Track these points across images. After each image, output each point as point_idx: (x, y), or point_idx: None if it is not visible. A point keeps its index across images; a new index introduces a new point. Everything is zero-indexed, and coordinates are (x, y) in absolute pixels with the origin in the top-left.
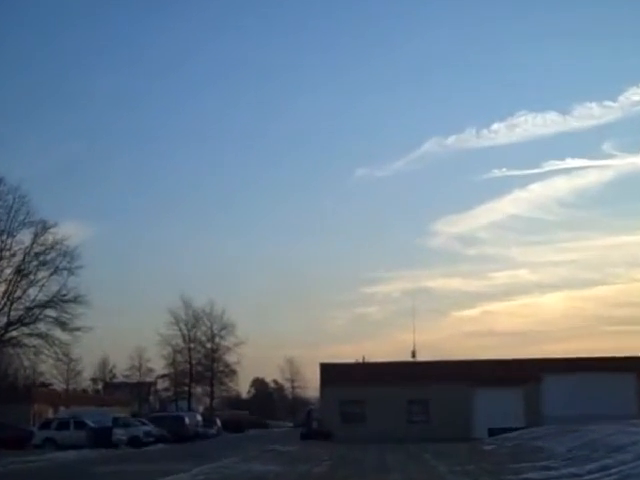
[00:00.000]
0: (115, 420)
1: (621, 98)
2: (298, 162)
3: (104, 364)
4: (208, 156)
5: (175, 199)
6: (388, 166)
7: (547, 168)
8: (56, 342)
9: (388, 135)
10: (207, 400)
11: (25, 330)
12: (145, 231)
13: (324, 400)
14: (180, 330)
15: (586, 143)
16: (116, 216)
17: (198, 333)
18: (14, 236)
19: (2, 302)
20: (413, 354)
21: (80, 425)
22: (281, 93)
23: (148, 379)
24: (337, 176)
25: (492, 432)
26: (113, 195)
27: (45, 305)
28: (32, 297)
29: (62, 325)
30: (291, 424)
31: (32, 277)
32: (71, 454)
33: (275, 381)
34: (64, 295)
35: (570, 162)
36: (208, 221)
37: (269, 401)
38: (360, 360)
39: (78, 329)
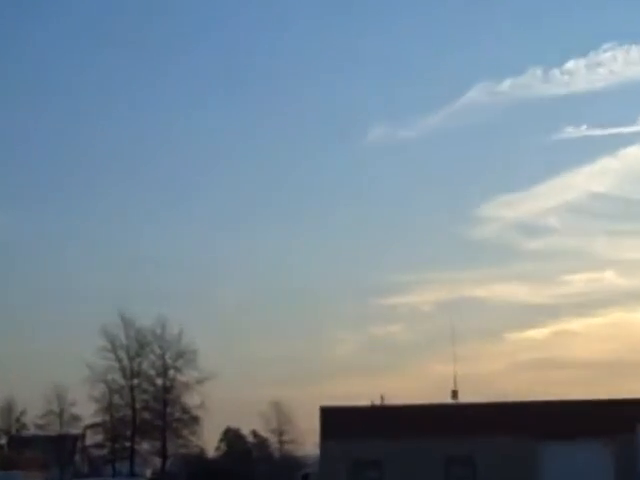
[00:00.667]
0: None
1: None
2: (288, 117)
3: (9, 409)
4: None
5: (110, 174)
6: (416, 123)
7: None
8: None
9: (417, 80)
10: (157, 460)
11: None
12: (65, 221)
13: (326, 460)
14: (118, 360)
15: None
16: (28, 202)
17: (144, 364)
18: None
19: None
20: (453, 394)
21: None
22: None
23: (73, 431)
24: (345, 136)
25: None
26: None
27: None
28: None
29: None
30: None
31: None
32: None
33: (255, 433)
34: None
35: None
36: (156, 207)
37: (247, 461)
38: (377, 402)
39: None
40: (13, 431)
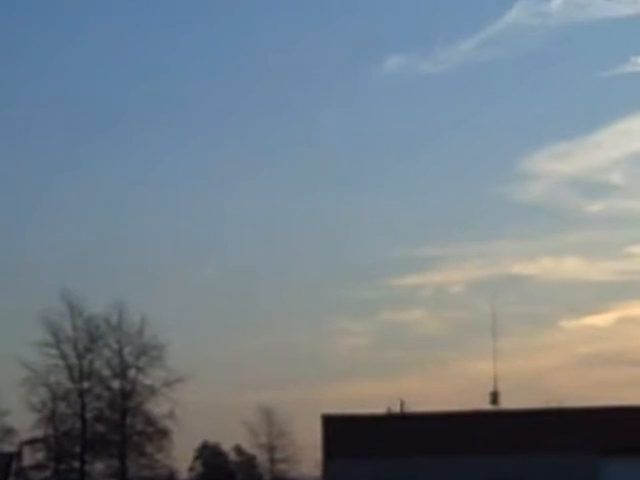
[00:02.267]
0: None
1: None
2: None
3: None
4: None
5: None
6: (441, 53)
7: None
8: None
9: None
10: None
11: None
12: None
13: None
14: (63, 357)
15: None
16: None
17: (97, 363)
18: None
19: None
20: (493, 397)
21: None
22: None
23: (6, 448)
24: (354, 70)
25: None
26: None
27: None
28: None
29: None
30: None
31: None
32: None
33: (239, 449)
34: None
35: None
36: (116, 166)
37: None
38: (395, 409)
39: None
40: None
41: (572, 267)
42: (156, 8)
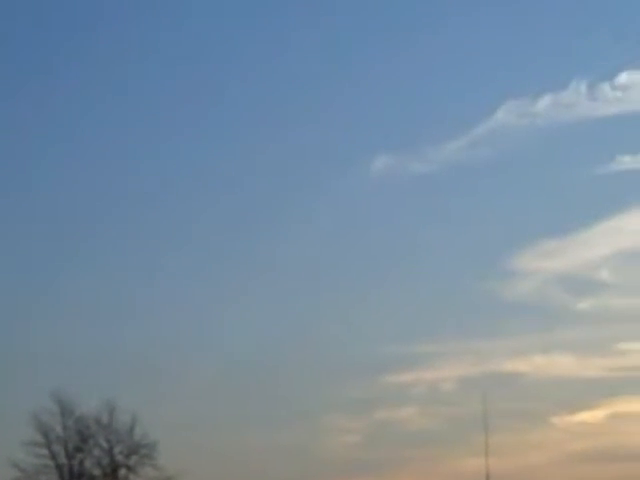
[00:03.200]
0: None
1: None
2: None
3: None
4: None
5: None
6: (428, 154)
7: None
8: None
9: (429, 101)
10: None
11: None
12: None
13: None
14: (54, 457)
15: None
16: None
17: (88, 462)
18: None
19: None
20: None
21: None
22: None
23: None
24: (343, 170)
25: None
26: None
27: None
28: None
29: None
30: None
31: None
32: None
33: None
34: None
35: None
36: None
37: None
38: None
39: None
40: None
41: (563, 364)
42: None
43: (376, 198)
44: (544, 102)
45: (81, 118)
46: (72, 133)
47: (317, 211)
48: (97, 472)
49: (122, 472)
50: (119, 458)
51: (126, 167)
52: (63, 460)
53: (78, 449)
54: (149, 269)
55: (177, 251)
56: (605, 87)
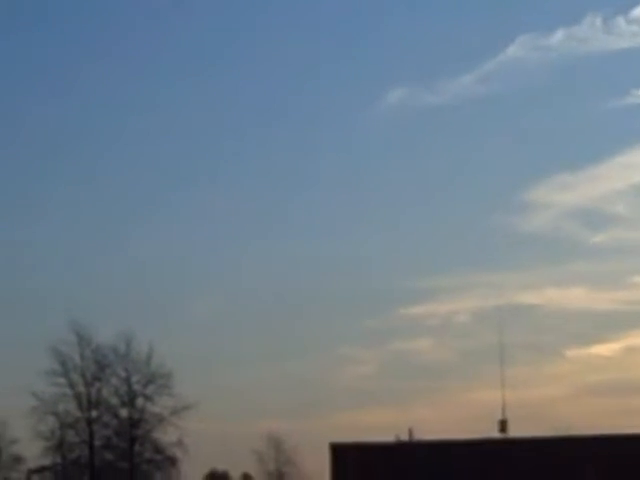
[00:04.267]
0: None
1: None
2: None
3: None
4: None
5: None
6: (442, 87)
7: None
8: None
9: (443, 34)
10: None
11: None
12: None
13: None
14: (72, 386)
15: None
16: None
17: (105, 391)
18: None
19: None
20: (502, 425)
21: None
22: None
23: (14, 475)
24: (357, 103)
25: None
26: None
27: None
28: None
29: None
30: None
31: None
32: None
33: (247, 477)
34: None
35: None
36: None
37: None
38: (404, 437)
39: None
40: None
41: (577, 297)
42: None
43: (390, 130)
44: (558, 36)
45: None
46: None
47: (332, 145)
48: (115, 401)
49: (139, 401)
50: (136, 387)
51: None
52: (81, 389)
53: (96, 378)
54: (161, 202)
55: (191, 184)
56: (620, 21)
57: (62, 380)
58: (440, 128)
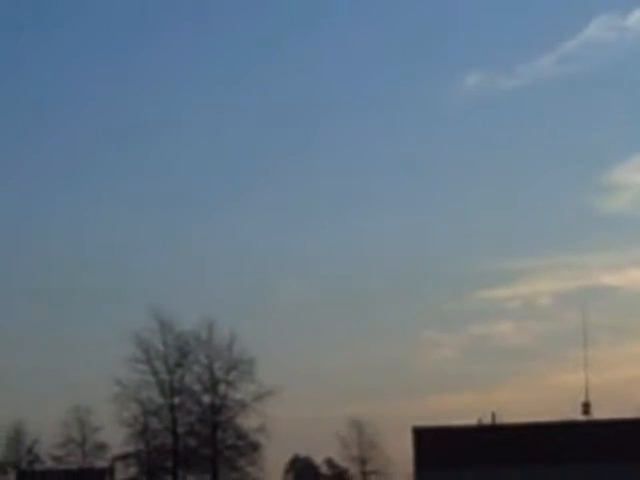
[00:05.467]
0: None
1: None
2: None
3: (17, 437)
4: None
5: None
6: (519, 70)
7: None
8: None
9: (520, 16)
10: None
11: None
12: (87, 205)
13: None
14: (155, 373)
15: None
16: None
17: (188, 378)
18: None
19: None
20: (585, 408)
21: None
22: None
23: (99, 463)
24: (435, 87)
25: None
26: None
27: None
28: None
29: None
30: None
31: None
32: None
33: (331, 462)
34: None
35: None
36: (204, 195)
37: None
38: (487, 421)
39: None
40: (24, 464)
41: None
42: None
43: (469, 113)
44: (635, 17)
45: None
46: None
47: (410, 127)
48: (197, 387)
49: (222, 387)
50: (219, 374)
51: None
52: (164, 376)
53: (178, 365)
54: (242, 188)
55: (270, 170)
56: None
57: (145, 367)
58: (519, 111)
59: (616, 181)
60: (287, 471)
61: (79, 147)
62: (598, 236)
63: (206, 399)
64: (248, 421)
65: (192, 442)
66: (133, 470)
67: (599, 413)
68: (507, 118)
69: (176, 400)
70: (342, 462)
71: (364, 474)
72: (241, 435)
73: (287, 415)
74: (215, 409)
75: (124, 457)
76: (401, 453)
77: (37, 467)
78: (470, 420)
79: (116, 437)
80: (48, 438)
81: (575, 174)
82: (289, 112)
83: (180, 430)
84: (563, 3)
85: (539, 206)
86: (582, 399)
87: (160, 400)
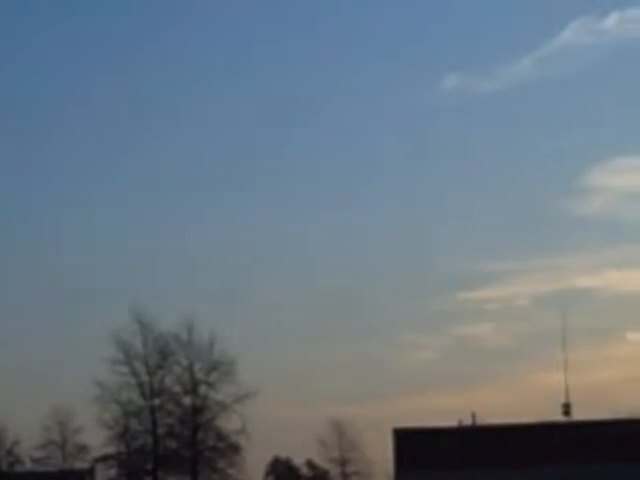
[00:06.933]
0: None
1: None
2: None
3: None
4: None
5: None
6: (497, 73)
7: None
8: None
9: (498, 19)
10: None
11: None
12: (67, 203)
13: None
14: (135, 375)
15: None
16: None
17: (168, 379)
18: None
19: None
20: (565, 409)
21: None
22: None
23: (79, 465)
24: (412, 89)
25: None
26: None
27: None
28: None
29: None
30: None
31: None
32: None
33: (311, 463)
34: None
35: None
36: (180, 192)
37: None
38: (467, 422)
39: None
40: (4, 466)
41: (637, 279)
42: None
43: (447, 116)
44: (612, 20)
45: None
46: None
47: (388, 130)
48: (177, 389)
49: (202, 389)
50: (199, 375)
51: None
52: (144, 377)
53: (159, 366)
54: (223, 186)
55: (256, 166)
56: None
57: (125, 369)
58: (496, 113)
59: (593, 183)
60: (267, 473)
61: (66, 146)
62: (576, 238)
63: (187, 400)
64: (229, 423)
65: (172, 444)
66: (114, 472)
67: (579, 414)
68: (484, 120)
69: (156, 401)
70: (323, 463)
71: (345, 475)
72: (222, 437)
73: (267, 416)
74: (196, 410)
75: (105, 459)
76: (381, 454)
77: (17, 469)
78: (451, 421)
79: (96, 439)
80: (28, 440)
81: (552, 176)
82: (284, 107)
83: (160, 431)
84: (540, 6)
85: (517, 208)
86: (562, 400)
87: (140, 401)
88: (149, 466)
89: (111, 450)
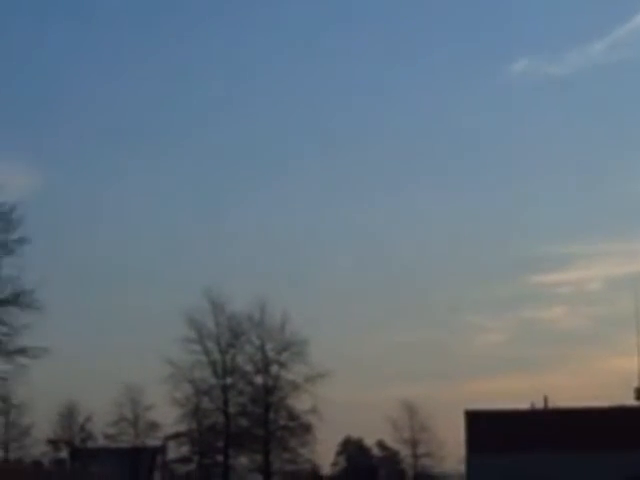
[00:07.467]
0: None
1: None
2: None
3: (70, 415)
4: None
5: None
6: (568, 57)
7: None
8: None
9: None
10: (258, 479)
11: None
12: (141, 190)
13: (474, 479)
14: (207, 354)
15: None
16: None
17: (240, 358)
18: None
19: None
20: (638, 394)
21: None
22: None
23: (151, 442)
24: (483, 73)
25: None
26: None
27: None
28: None
29: None
30: None
31: None
32: None
33: (382, 444)
34: None
35: None
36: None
37: None
38: (539, 405)
39: (23, 351)
40: (77, 442)
41: None
42: None
43: (516, 100)
44: None
45: None
46: None
47: (462, 112)
48: (249, 368)
49: (274, 368)
50: (271, 354)
51: None
52: (216, 356)
53: (230, 345)
54: (292, 169)
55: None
56: None
57: (197, 347)
58: (567, 97)
59: None
60: (339, 453)
61: (116, 126)
62: None
63: (258, 380)
64: (300, 402)
65: (244, 422)
66: (185, 449)
67: None
68: (556, 104)
69: (228, 380)
70: (394, 444)
71: (415, 457)
72: (293, 416)
73: (339, 397)
74: (267, 390)
75: (176, 436)
76: (453, 436)
77: (90, 445)
78: (522, 404)
79: (168, 416)
80: (101, 416)
81: (627, 160)
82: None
83: (232, 410)
84: None
85: (591, 192)
86: (635, 384)
87: (212, 380)
88: (220, 444)
89: (182, 428)
